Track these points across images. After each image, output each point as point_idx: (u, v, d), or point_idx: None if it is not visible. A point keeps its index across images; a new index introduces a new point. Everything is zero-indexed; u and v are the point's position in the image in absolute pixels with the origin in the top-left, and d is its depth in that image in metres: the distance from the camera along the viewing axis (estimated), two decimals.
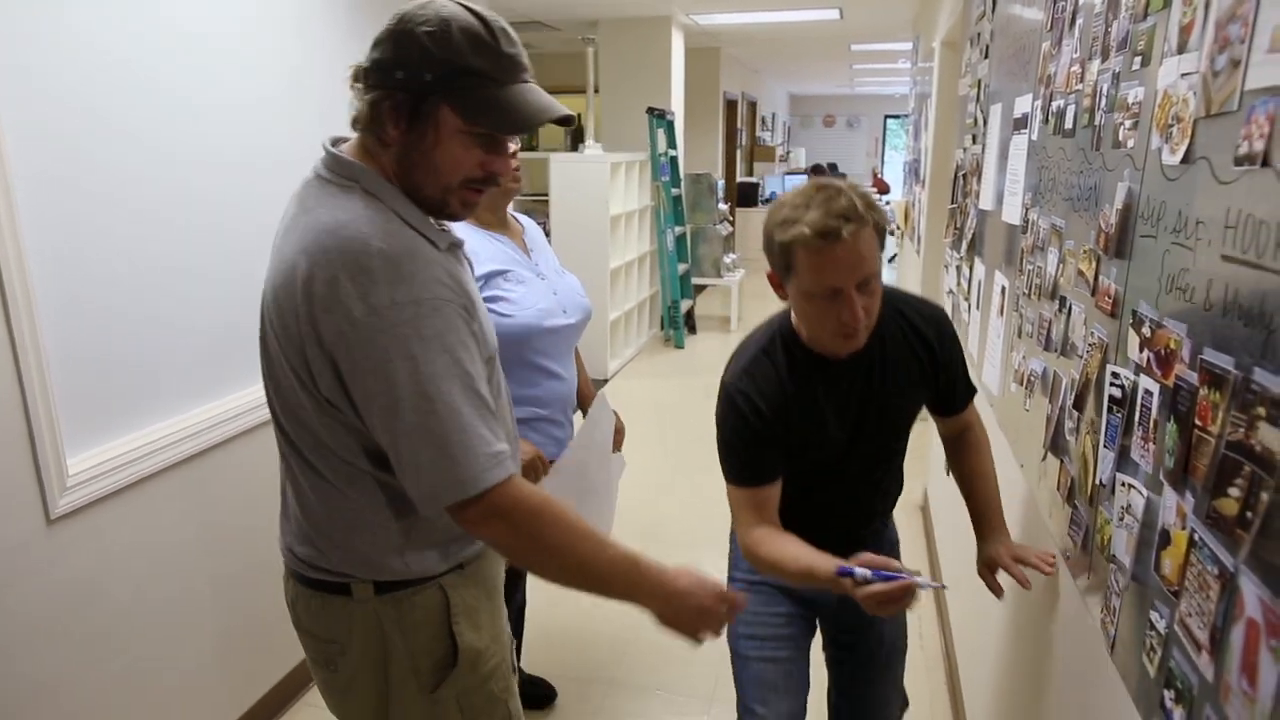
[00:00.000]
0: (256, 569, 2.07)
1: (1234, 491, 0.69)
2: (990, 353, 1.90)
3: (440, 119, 1.00)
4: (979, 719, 1.92)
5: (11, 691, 1.51)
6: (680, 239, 6.55)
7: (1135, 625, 0.90)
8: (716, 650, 1.48)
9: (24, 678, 1.53)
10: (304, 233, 1.00)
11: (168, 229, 1.80)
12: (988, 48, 2.27)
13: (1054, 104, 1.42)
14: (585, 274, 3.63)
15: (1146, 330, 0.91)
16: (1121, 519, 0.96)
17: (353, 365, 0.98)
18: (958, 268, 2.63)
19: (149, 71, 1.73)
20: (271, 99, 2.08)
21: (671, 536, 3.30)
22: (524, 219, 1.93)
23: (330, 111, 2.24)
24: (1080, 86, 1.25)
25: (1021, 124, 1.69)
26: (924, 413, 1.45)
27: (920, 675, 2.37)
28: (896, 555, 1.57)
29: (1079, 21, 1.29)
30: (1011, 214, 1.73)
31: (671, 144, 6.28)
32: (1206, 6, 0.80)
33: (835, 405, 1.33)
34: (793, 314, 1.32)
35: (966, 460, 1.47)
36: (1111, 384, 1.02)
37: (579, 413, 1.96)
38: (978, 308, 2.12)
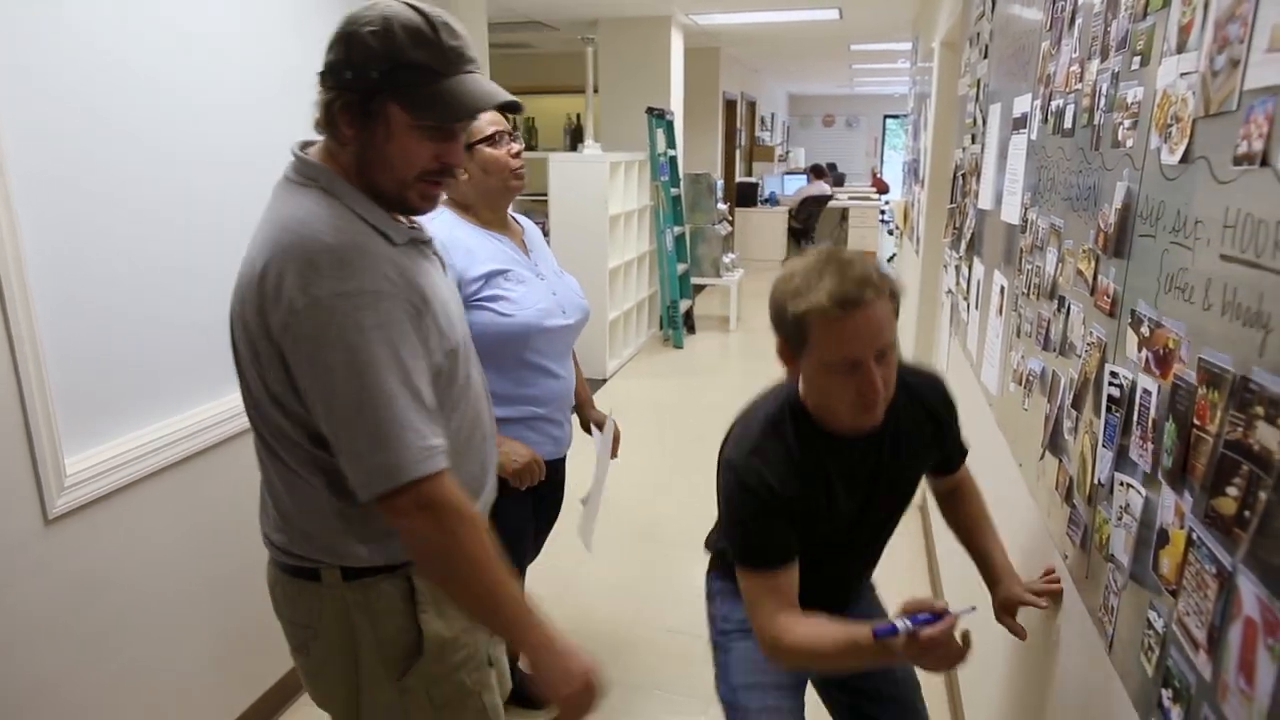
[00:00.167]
0: (254, 569, 2.04)
1: (1232, 491, 0.69)
2: (989, 352, 1.90)
3: (390, 115, 1.03)
4: (978, 718, 1.92)
5: (10, 691, 1.51)
6: (679, 239, 6.55)
7: (1133, 624, 0.90)
8: None
9: (22, 677, 1.53)
10: (265, 231, 1.05)
11: (167, 229, 1.79)
12: (987, 47, 2.27)
13: (1053, 104, 1.42)
14: (584, 274, 3.63)
15: (1145, 330, 0.91)
16: (1120, 518, 0.96)
17: (296, 355, 1.01)
18: (956, 267, 2.63)
19: (149, 71, 1.72)
20: (271, 99, 2.08)
21: (669, 536, 3.29)
22: (523, 220, 1.94)
23: None
24: (1079, 86, 1.25)
25: (1021, 124, 1.70)
26: None
27: (918, 674, 2.37)
28: (874, 593, 1.58)
29: (1078, 21, 1.29)
30: (1010, 213, 1.73)
31: (671, 144, 6.27)
32: (1205, 6, 0.81)
33: (846, 481, 1.27)
34: (802, 387, 1.25)
35: (964, 508, 1.47)
36: (1110, 383, 1.02)
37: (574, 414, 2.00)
38: (976, 307, 2.12)
